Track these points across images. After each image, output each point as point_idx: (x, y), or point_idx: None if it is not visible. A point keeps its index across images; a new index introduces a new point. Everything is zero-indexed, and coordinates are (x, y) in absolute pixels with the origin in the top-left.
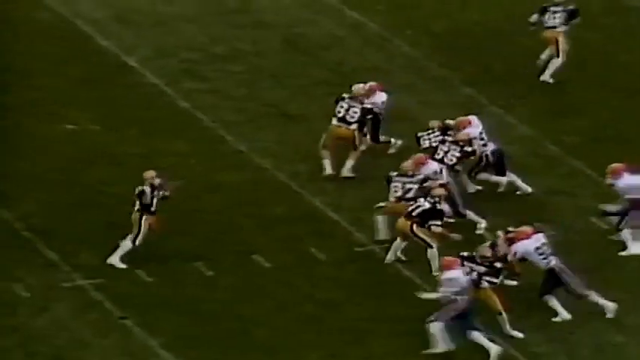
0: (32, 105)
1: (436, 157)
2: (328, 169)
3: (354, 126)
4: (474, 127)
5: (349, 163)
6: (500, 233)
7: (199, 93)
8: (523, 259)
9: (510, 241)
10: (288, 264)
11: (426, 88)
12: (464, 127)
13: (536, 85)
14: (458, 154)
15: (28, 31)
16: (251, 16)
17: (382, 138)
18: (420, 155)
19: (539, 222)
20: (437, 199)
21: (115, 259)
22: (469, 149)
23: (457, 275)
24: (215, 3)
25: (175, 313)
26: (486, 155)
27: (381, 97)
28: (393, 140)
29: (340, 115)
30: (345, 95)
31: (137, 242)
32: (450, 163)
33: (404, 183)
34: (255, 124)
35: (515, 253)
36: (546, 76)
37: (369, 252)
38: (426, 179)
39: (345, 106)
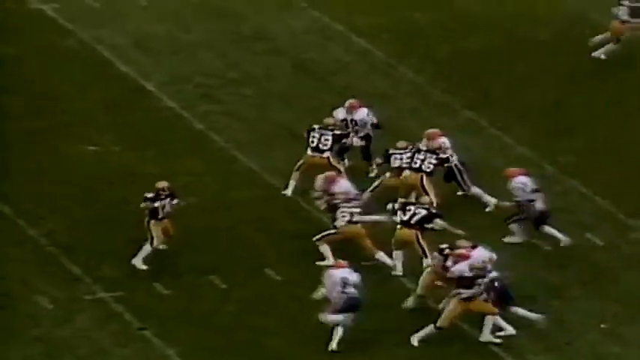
0: (58, 127)
1: (413, 165)
2: (288, 191)
3: (327, 154)
4: (447, 137)
5: None
6: (436, 254)
7: (214, 115)
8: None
9: (455, 262)
10: (298, 277)
11: (429, 113)
12: (436, 138)
13: (534, 107)
14: (434, 161)
15: (55, 58)
16: (264, 42)
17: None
18: (331, 173)
19: (536, 238)
20: (427, 205)
21: (137, 261)
22: (444, 156)
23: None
24: (230, 31)
25: (191, 325)
26: (456, 165)
27: (363, 112)
28: (373, 166)
29: (314, 144)
30: (315, 126)
31: (154, 245)
32: (428, 170)
33: (349, 207)
34: (266, 145)
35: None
36: (599, 53)
37: (375, 266)
38: (363, 204)
39: (317, 135)
